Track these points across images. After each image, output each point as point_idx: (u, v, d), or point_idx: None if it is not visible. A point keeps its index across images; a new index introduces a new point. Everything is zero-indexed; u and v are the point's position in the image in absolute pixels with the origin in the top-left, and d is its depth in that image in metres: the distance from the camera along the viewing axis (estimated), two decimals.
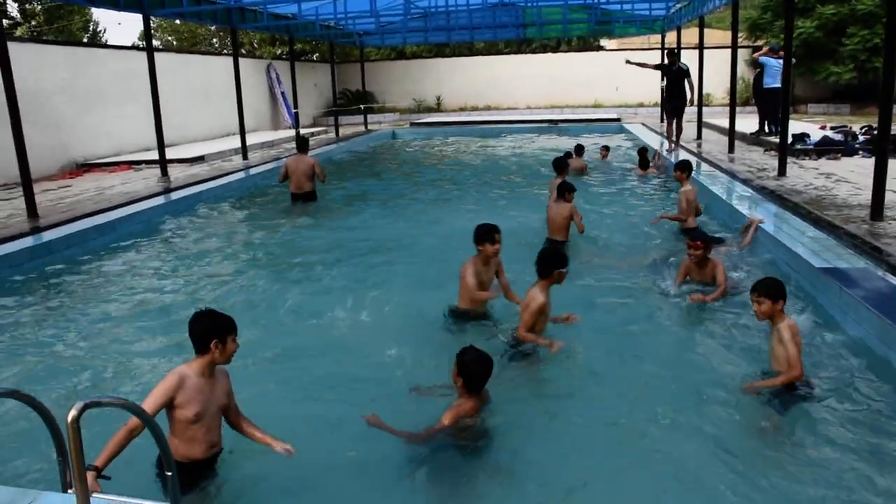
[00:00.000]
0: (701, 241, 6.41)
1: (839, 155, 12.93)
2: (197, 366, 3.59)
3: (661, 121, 23.13)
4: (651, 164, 13.46)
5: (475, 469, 3.89)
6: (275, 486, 3.78)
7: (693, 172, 9.40)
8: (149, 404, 3.42)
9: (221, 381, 3.73)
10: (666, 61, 15.77)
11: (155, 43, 34.81)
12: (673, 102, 15.43)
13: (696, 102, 15.93)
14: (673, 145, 15.60)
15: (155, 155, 14.16)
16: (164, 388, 3.49)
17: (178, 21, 33.83)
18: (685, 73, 15.10)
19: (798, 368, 4.27)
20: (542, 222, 8.59)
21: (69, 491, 2.96)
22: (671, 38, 22.73)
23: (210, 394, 3.61)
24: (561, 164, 9.83)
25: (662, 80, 15.71)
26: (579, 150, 13.99)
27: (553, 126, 24.34)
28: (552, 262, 5.10)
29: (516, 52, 34.40)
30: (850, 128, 15.52)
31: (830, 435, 3.98)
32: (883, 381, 4.53)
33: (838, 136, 14.30)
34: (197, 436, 3.56)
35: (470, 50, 35.13)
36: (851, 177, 10.69)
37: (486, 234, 5.62)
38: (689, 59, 19.78)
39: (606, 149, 15.93)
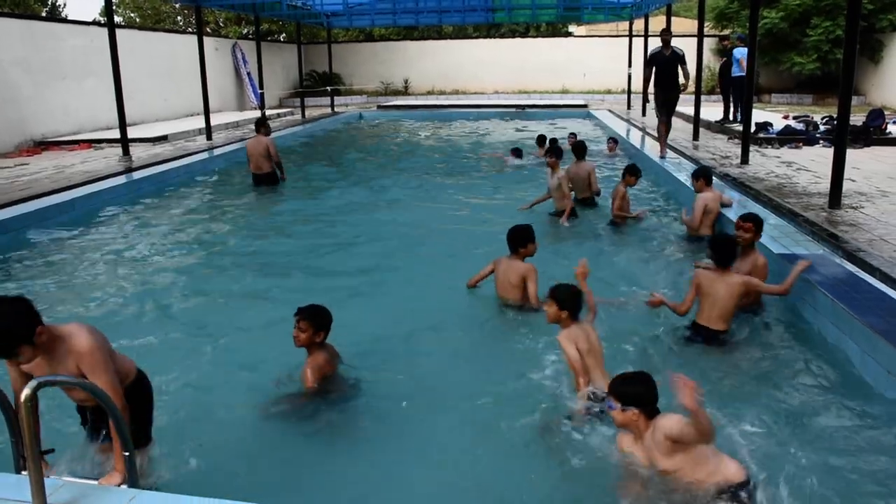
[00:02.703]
0: (752, 223, 5.61)
1: (801, 144, 13.15)
2: None
3: (631, 109, 23.29)
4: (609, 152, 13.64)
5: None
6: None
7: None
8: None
9: (66, 365, 3.16)
10: (659, 44, 12.56)
11: (117, 19, 34.16)
12: (666, 94, 12.43)
13: (687, 89, 12.72)
14: (663, 150, 12.72)
15: (116, 134, 13.88)
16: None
17: None
18: (681, 58, 12.30)
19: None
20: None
21: (22, 472, 2.91)
22: (639, 25, 22.87)
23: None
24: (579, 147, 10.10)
25: (650, 68, 12.52)
26: (541, 140, 13.93)
27: (520, 112, 24.38)
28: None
29: (485, 37, 34.33)
30: (812, 117, 15.78)
31: (774, 409, 4.09)
32: (835, 365, 4.64)
33: (800, 126, 14.54)
34: None
35: (439, 33, 34.97)
36: (812, 165, 10.89)
37: (531, 235, 5.76)
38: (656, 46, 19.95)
39: (615, 141, 14.71)
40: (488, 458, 3.80)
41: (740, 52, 16.12)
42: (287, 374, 4.44)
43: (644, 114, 20.47)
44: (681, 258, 7.18)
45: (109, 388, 3.08)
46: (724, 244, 5.17)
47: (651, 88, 12.43)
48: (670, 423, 3.15)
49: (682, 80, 12.23)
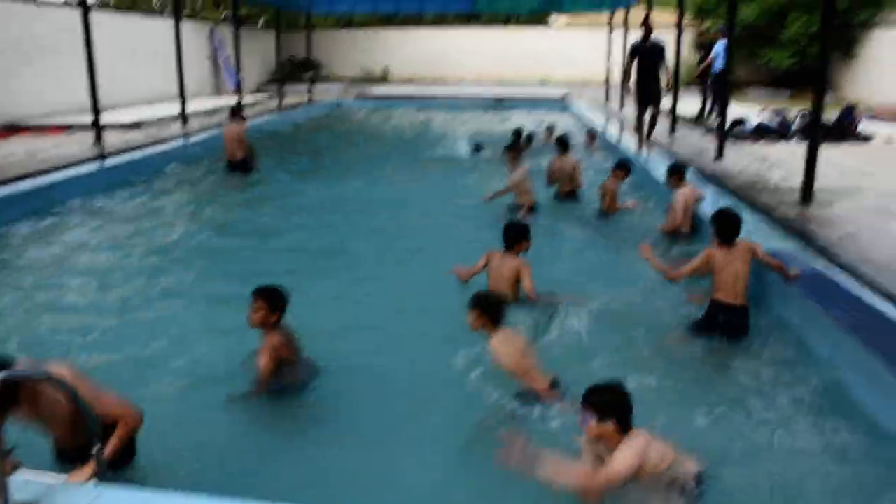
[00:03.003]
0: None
1: (776, 139, 13.27)
2: None
3: (609, 101, 23.34)
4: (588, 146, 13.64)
5: None
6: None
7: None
8: None
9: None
10: (640, 37, 12.42)
11: (91, 1, 33.60)
12: (647, 88, 12.26)
13: (670, 86, 12.80)
14: (644, 147, 12.61)
15: (89, 118, 13.66)
16: None
17: None
18: (659, 51, 12.15)
19: None
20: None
21: None
22: (619, 18, 22.87)
23: None
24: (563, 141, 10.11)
25: (632, 59, 12.33)
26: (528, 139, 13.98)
27: (499, 103, 24.35)
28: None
29: (466, 25, 34.20)
30: (787, 113, 15.91)
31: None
32: (802, 360, 4.71)
33: (775, 121, 14.66)
34: None
35: (419, 21, 34.77)
36: (786, 161, 10.99)
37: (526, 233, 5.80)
38: (637, 38, 19.93)
39: (592, 134, 14.35)
40: (453, 450, 3.83)
41: (723, 45, 16.03)
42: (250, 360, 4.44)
43: (622, 105, 20.53)
44: (663, 254, 7.20)
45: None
46: (728, 218, 5.24)
47: (633, 81, 12.32)
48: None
49: (662, 78, 12.01)
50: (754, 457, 3.71)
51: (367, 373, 4.69)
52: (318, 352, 4.65)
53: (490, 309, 4.26)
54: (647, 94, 12.24)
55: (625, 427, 3.12)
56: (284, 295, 4.37)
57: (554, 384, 4.24)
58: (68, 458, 3.36)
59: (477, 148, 13.64)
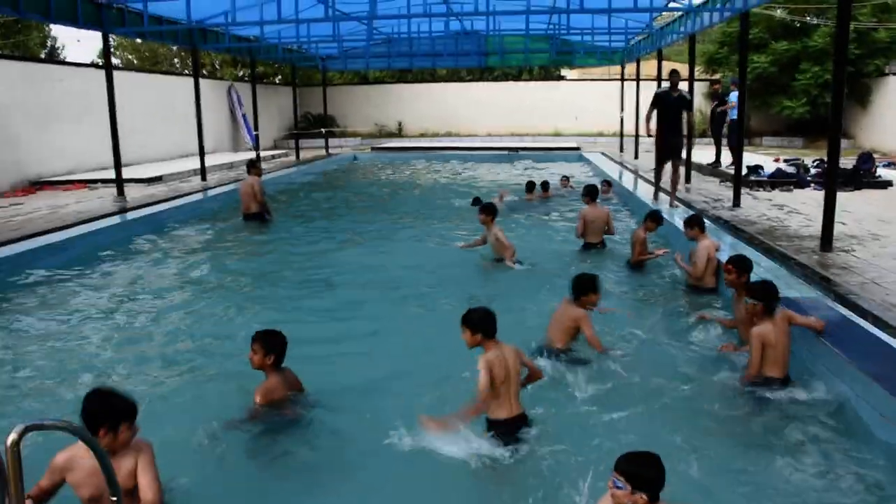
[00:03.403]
0: (731, 264, 5.88)
1: (792, 187, 13.27)
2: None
3: (624, 152, 23.47)
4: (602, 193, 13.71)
5: None
6: None
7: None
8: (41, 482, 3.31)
9: (127, 461, 3.32)
10: (666, 85, 11.74)
11: (115, 61, 34.52)
12: (670, 140, 11.48)
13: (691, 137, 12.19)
14: (673, 201, 11.75)
15: (112, 174, 13.91)
16: (50, 468, 3.32)
17: (138, 40, 33.49)
18: (687, 103, 11.64)
19: None
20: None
21: None
22: (630, 69, 23.20)
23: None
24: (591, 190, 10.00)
25: (653, 108, 11.63)
26: (545, 185, 14.31)
27: (513, 154, 24.57)
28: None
29: (478, 80, 34.75)
30: (803, 161, 15.94)
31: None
32: (837, 419, 4.60)
33: (791, 169, 14.68)
34: None
35: (432, 76, 35.39)
36: (803, 208, 10.96)
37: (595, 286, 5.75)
38: (648, 90, 20.10)
39: (608, 184, 14.66)
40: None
41: (736, 97, 16.11)
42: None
43: (636, 156, 20.68)
44: (684, 307, 7.15)
45: (155, 484, 3.33)
46: (768, 288, 5.16)
47: (653, 131, 11.67)
48: None
49: (685, 127, 11.49)
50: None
51: (376, 421, 4.65)
52: (316, 385, 4.81)
53: (479, 325, 4.24)
54: (669, 147, 11.52)
55: (654, 500, 3.01)
56: (280, 338, 4.52)
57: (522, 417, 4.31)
58: None
59: (475, 202, 13.86)
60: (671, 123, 11.41)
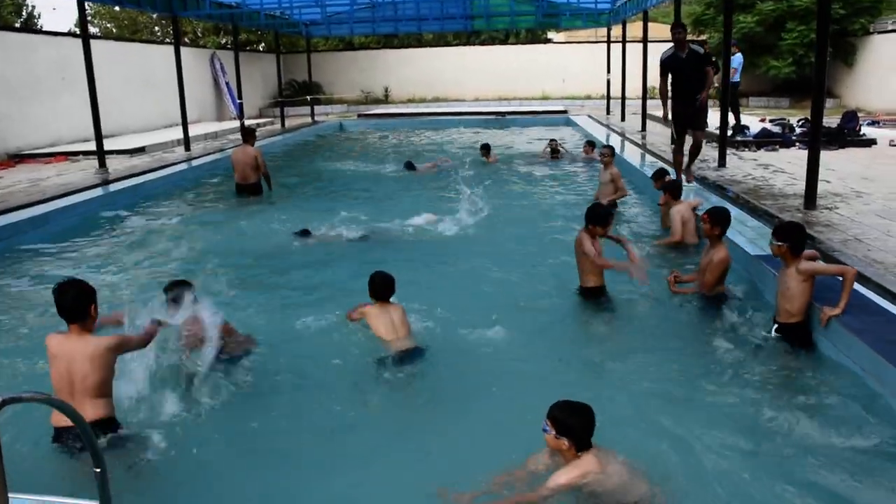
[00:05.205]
0: (707, 213, 5.86)
1: (777, 147, 13.27)
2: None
3: (611, 114, 23.38)
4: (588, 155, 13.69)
5: None
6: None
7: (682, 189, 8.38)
8: None
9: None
10: (670, 47, 9.73)
11: (93, 30, 33.95)
12: (687, 107, 9.63)
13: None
14: (688, 176, 10.11)
15: (93, 146, 13.75)
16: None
17: (116, 7, 32.89)
18: (706, 58, 9.66)
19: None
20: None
21: None
22: (616, 31, 23.01)
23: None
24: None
25: (665, 76, 9.88)
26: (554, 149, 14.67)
27: (500, 118, 24.44)
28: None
29: (465, 44, 34.42)
30: (788, 120, 15.91)
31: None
32: (808, 362, 4.69)
33: (776, 129, 14.66)
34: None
35: (418, 41, 35.02)
36: (788, 167, 10.99)
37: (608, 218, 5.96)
38: (634, 52, 19.95)
39: (591, 144, 14.14)
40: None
41: (737, 61, 15.79)
42: None
43: (623, 118, 20.59)
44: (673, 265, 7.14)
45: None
46: (794, 228, 5.06)
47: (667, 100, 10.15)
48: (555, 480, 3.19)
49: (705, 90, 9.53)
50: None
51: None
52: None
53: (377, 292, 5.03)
54: (687, 115, 9.73)
55: (580, 446, 3.22)
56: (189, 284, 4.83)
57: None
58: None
59: (409, 166, 13.87)
60: (688, 88, 9.54)
